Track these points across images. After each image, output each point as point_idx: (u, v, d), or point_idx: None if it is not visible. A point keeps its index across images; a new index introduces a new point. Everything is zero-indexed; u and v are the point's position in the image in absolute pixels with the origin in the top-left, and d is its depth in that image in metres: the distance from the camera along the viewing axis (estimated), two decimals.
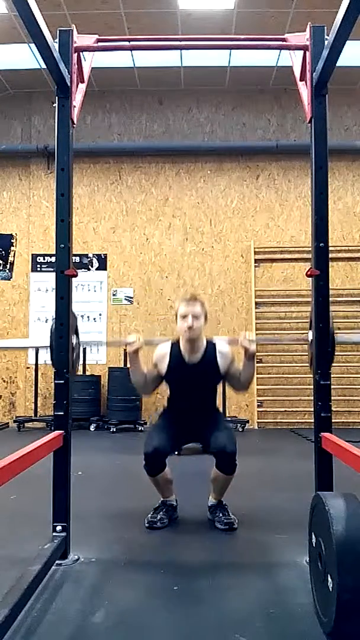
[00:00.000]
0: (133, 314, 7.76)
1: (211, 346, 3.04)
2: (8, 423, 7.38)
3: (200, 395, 3.07)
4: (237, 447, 2.90)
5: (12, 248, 7.90)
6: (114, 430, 6.81)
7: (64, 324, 2.53)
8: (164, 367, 3.05)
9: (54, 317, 2.56)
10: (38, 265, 7.81)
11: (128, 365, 3.11)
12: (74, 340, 2.62)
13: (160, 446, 2.91)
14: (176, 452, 3.12)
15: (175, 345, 3.06)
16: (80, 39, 2.63)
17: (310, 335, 2.63)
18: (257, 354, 7.69)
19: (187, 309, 2.95)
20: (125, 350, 2.99)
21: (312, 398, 2.61)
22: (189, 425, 3.05)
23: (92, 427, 6.96)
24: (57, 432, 2.43)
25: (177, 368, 3.02)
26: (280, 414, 7.48)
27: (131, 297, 7.79)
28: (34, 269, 7.81)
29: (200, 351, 3.02)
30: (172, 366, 3.03)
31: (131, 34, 6.31)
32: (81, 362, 7.23)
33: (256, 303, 7.55)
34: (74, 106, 2.59)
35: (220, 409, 3.25)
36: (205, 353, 3.02)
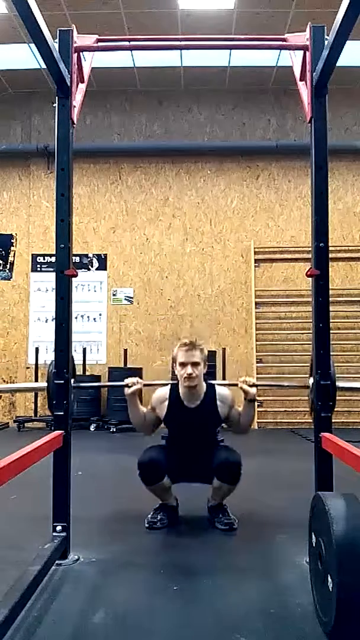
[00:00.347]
0: (133, 314, 7.76)
1: (211, 390, 3.00)
2: (8, 423, 7.38)
3: (201, 438, 3.02)
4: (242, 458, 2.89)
5: (12, 248, 7.90)
6: (114, 430, 6.80)
7: (64, 324, 2.53)
8: (163, 411, 3.01)
9: (53, 360, 2.51)
10: (38, 265, 7.81)
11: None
12: (72, 382, 2.58)
13: (156, 458, 2.89)
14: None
15: (174, 390, 3.01)
16: (80, 39, 2.63)
17: (310, 381, 2.58)
18: (257, 353, 7.72)
19: (186, 357, 2.88)
20: (125, 393, 2.92)
21: None
22: (189, 461, 2.99)
23: (92, 427, 6.96)
24: (57, 432, 2.43)
25: (177, 413, 2.98)
26: (280, 414, 7.47)
27: (131, 297, 7.79)
28: (34, 269, 7.81)
29: (199, 396, 2.97)
30: (171, 411, 2.99)
31: (131, 34, 6.30)
32: (81, 362, 7.27)
33: (256, 303, 7.55)
34: (74, 106, 2.59)
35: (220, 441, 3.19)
36: (204, 398, 2.98)
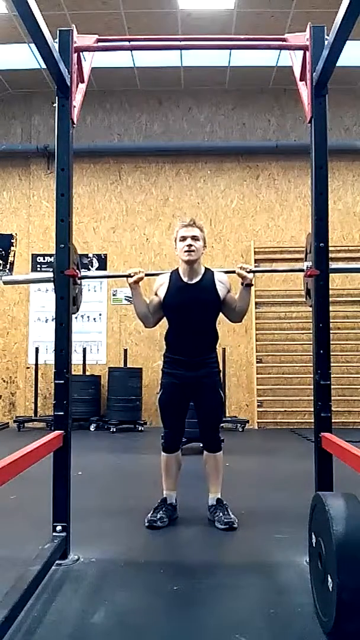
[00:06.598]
0: (133, 314, 7.70)
1: (210, 273, 3.08)
2: (8, 423, 7.38)
3: (200, 321, 3.05)
4: (228, 440, 2.97)
5: (12, 248, 7.90)
6: (114, 430, 6.81)
7: (64, 324, 2.53)
8: (163, 291, 3.09)
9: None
10: (38, 265, 7.81)
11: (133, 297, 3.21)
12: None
13: (178, 422, 3.06)
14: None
15: (174, 272, 3.11)
16: (80, 39, 2.63)
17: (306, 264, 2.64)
18: (257, 353, 7.71)
19: (186, 232, 2.99)
20: (127, 282, 2.96)
21: (312, 398, 2.61)
22: (188, 377, 3.03)
23: (92, 427, 6.96)
24: (57, 432, 2.43)
25: (177, 289, 3.04)
26: (280, 414, 7.47)
27: (131, 297, 7.76)
28: (34, 269, 7.81)
29: (199, 274, 3.05)
30: (171, 289, 3.06)
31: (131, 34, 6.30)
32: (81, 362, 7.27)
33: (256, 303, 7.54)
34: (74, 106, 2.59)
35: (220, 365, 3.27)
36: (204, 276, 3.05)
